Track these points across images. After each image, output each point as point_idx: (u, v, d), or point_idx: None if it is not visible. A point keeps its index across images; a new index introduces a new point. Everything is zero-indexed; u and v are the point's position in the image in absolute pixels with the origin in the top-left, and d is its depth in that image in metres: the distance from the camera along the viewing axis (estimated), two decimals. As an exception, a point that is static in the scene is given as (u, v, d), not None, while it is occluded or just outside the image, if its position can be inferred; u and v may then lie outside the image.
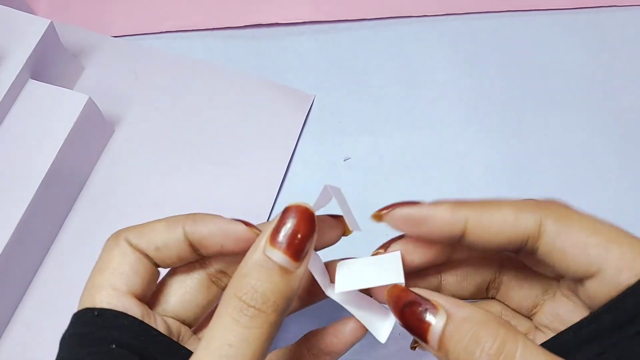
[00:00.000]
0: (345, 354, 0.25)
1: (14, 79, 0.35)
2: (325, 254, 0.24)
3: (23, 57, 0.35)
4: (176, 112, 0.41)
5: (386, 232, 0.22)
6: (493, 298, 0.26)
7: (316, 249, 0.23)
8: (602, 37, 0.44)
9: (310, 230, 0.20)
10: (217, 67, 0.42)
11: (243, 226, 0.22)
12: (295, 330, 0.28)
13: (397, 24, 0.44)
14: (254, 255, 0.20)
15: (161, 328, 0.22)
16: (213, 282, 0.24)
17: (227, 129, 0.40)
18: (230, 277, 0.21)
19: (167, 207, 0.38)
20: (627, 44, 0.43)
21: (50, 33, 0.37)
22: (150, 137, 0.40)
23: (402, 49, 0.43)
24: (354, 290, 0.23)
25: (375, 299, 0.24)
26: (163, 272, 0.24)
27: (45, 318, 0.35)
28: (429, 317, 0.19)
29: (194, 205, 0.38)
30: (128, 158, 0.39)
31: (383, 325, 0.23)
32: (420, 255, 0.23)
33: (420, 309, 0.19)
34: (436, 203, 0.22)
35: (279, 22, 0.44)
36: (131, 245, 0.22)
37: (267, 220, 0.37)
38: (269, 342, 0.19)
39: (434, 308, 0.19)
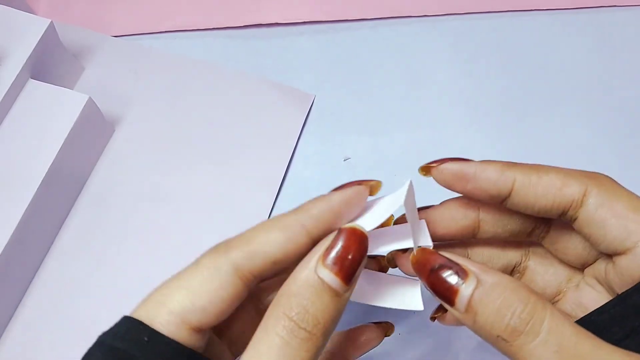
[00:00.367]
0: None
1: (14, 79, 0.35)
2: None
3: (23, 57, 0.35)
4: (176, 112, 0.41)
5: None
6: None
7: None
8: (602, 37, 0.44)
9: (362, 254, 0.20)
10: (217, 67, 0.42)
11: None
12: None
13: (397, 24, 0.44)
14: (304, 274, 0.19)
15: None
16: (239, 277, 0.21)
17: (227, 128, 0.40)
18: (254, 273, 0.20)
19: (167, 206, 0.38)
20: (627, 44, 0.43)
21: (50, 33, 0.37)
22: (150, 137, 0.40)
23: (402, 48, 0.43)
24: (369, 285, 0.23)
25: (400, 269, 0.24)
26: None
27: (45, 318, 0.35)
28: (458, 281, 0.19)
29: (194, 205, 0.38)
30: (128, 158, 0.39)
31: (413, 296, 0.23)
32: (444, 227, 0.23)
33: (449, 272, 0.20)
34: (486, 162, 0.22)
35: (279, 22, 0.44)
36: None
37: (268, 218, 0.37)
38: None
39: (463, 272, 0.19)
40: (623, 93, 0.42)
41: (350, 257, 0.19)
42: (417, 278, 0.22)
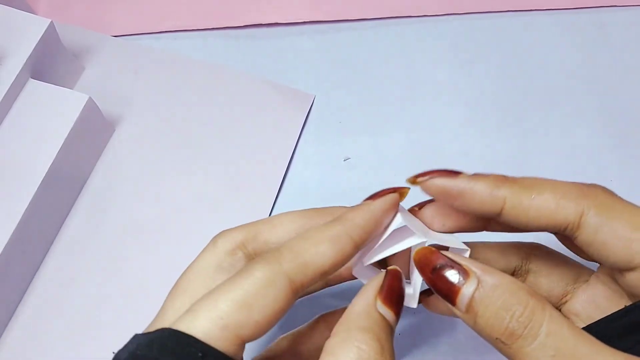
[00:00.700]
0: None
1: (14, 78, 0.35)
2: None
3: (23, 56, 0.35)
4: (176, 112, 0.41)
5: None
6: None
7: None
8: (602, 37, 0.44)
9: (403, 290, 0.22)
10: (217, 67, 0.42)
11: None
12: (304, 314, 0.28)
13: (397, 24, 0.44)
14: (368, 309, 0.20)
15: None
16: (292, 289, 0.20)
17: (227, 128, 0.40)
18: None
19: (167, 206, 0.38)
20: (627, 44, 0.43)
21: (51, 33, 0.37)
22: (151, 137, 0.40)
23: (402, 49, 0.43)
24: (370, 267, 0.23)
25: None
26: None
27: (45, 318, 0.35)
28: (460, 281, 0.19)
29: (194, 205, 0.38)
30: (128, 158, 0.39)
31: (411, 292, 0.23)
32: (448, 222, 0.24)
33: (451, 271, 0.20)
34: (476, 177, 0.21)
35: (279, 22, 0.44)
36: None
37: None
38: None
39: (464, 272, 0.20)
40: (623, 93, 0.42)
41: (397, 294, 0.21)
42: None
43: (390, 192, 0.22)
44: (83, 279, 0.36)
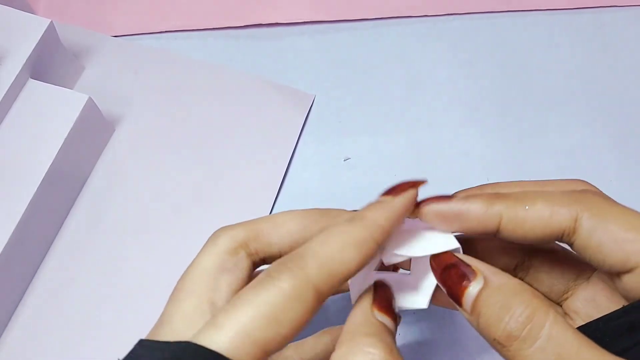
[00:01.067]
0: None
1: (14, 79, 0.35)
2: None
3: (23, 57, 0.35)
4: (176, 112, 0.41)
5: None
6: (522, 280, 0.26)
7: None
8: (602, 37, 0.44)
9: (392, 297, 0.22)
10: (217, 67, 0.42)
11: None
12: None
13: (397, 24, 0.44)
14: (367, 318, 0.20)
15: None
16: (318, 299, 0.19)
17: (227, 128, 0.40)
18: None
19: (167, 206, 0.38)
20: (627, 44, 0.43)
21: (50, 33, 0.37)
22: (151, 137, 0.40)
23: (403, 49, 0.43)
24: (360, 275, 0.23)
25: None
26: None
27: (45, 318, 0.35)
28: (467, 281, 0.20)
29: (194, 205, 0.38)
30: (128, 158, 0.39)
31: (420, 294, 0.23)
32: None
33: (460, 272, 0.20)
34: (469, 197, 0.22)
35: (279, 22, 0.44)
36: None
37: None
38: None
39: (473, 273, 0.20)
40: (623, 93, 0.42)
41: (389, 302, 0.21)
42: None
43: (409, 187, 0.22)
44: (83, 279, 0.36)
